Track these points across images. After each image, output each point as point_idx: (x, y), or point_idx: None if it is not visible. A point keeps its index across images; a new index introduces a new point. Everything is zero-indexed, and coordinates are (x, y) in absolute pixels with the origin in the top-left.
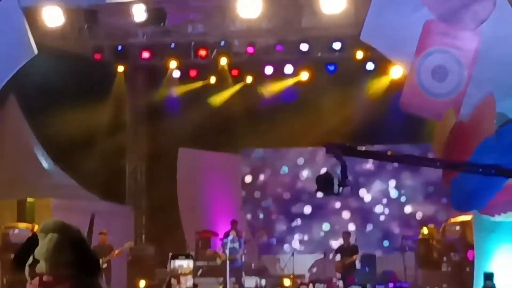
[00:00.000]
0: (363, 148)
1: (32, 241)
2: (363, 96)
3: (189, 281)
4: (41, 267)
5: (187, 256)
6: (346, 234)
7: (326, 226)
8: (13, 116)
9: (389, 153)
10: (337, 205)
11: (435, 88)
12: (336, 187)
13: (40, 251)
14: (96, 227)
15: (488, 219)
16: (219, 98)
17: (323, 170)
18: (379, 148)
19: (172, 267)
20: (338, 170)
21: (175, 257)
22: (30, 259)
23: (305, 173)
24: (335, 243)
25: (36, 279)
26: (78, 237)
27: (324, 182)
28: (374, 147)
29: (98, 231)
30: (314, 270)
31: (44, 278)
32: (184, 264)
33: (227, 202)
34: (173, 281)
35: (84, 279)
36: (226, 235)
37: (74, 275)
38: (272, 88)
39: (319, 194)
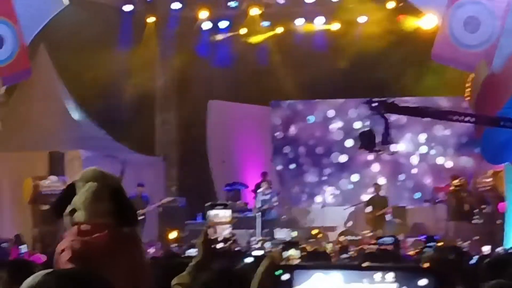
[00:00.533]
0: (404, 105)
1: (70, 190)
2: (394, 46)
3: (226, 230)
4: (79, 216)
5: (225, 206)
6: (377, 186)
7: (355, 178)
8: (44, 66)
9: (430, 109)
10: (369, 157)
11: (467, 39)
12: (379, 143)
13: (78, 200)
14: (126, 178)
15: None
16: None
17: (357, 125)
18: (413, 101)
19: (208, 216)
20: (380, 127)
21: (211, 206)
22: (68, 208)
23: (335, 125)
24: (365, 196)
25: (75, 227)
26: (117, 186)
27: (367, 139)
28: (408, 100)
29: (128, 182)
30: (350, 224)
31: (82, 227)
32: (221, 213)
33: (257, 154)
34: (210, 231)
35: (122, 229)
36: (257, 186)
37: (112, 225)
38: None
39: (349, 145)
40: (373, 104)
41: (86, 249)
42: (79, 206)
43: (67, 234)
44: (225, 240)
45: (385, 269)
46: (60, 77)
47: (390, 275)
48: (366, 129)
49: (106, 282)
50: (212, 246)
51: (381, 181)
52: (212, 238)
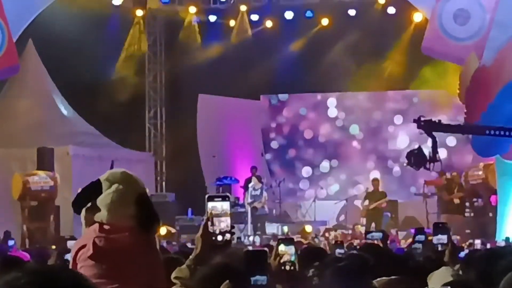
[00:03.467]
0: (449, 123)
1: (95, 187)
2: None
3: (223, 223)
4: (102, 215)
5: (224, 198)
6: (375, 181)
7: (346, 171)
8: (32, 62)
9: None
10: (361, 151)
11: (457, 32)
12: (428, 162)
13: (103, 200)
14: None
15: (511, 164)
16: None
17: (414, 144)
18: None
19: (208, 208)
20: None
21: (210, 198)
22: (89, 204)
23: (328, 118)
24: (356, 190)
25: (96, 225)
26: (143, 191)
27: (417, 157)
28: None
29: None
30: (341, 217)
31: (105, 226)
32: (218, 205)
33: (247, 148)
34: (209, 223)
35: (141, 233)
36: (247, 181)
37: (133, 228)
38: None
39: (340, 138)
40: (421, 123)
41: (108, 247)
42: (103, 206)
43: (86, 230)
44: (224, 233)
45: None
46: (48, 72)
47: None
48: (415, 148)
49: (79, 278)
50: (212, 239)
51: (375, 174)
52: (211, 231)
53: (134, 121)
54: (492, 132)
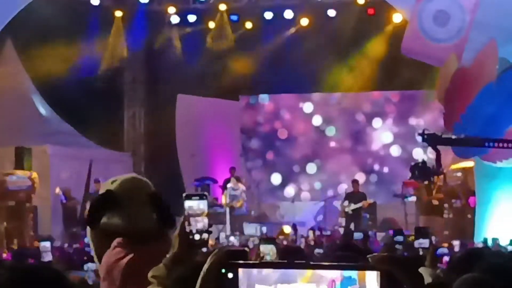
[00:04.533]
0: (455, 137)
1: (107, 198)
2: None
3: (200, 222)
4: (123, 226)
5: (201, 197)
6: (355, 182)
7: (326, 171)
8: (10, 61)
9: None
10: (340, 152)
11: (436, 33)
12: (432, 175)
13: (124, 213)
14: (94, 174)
15: (490, 166)
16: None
17: (417, 156)
18: None
19: (185, 207)
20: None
21: (188, 197)
22: (106, 219)
23: (305, 119)
24: (335, 191)
25: (120, 239)
26: (155, 192)
27: (421, 170)
28: None
29: (94, 179)
30: (320, 218)
31: (126, 238)
32: (194, 205)
33: (226, 148)
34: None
35: (163, 233)
36: (226, 182)
37: (156, 232)
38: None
39: (319, 138)
40: (425, 137)
41: (141, 260)
42: (125, 218)
43: (115, 244)
44: (201, 232)
45: (339, 267)
46: (26, 71)
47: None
48: (419, 161)
49: (58, 275)
50: (190, 238)
51: (354, 175)
52: (188, 230)
53: (113, 121)
54: (492, 144)
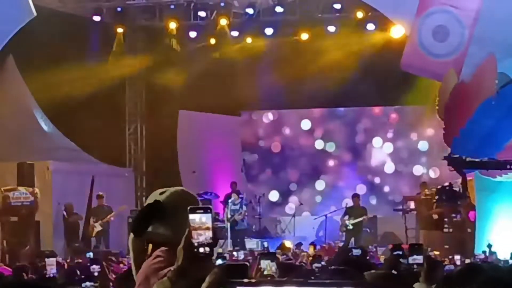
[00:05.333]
0: (479, 160)
1: (154, 208)
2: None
3: (202, 236)
4: (172, 238)
5: (205, 210)
6: (356, 197)
7: (326, 187)
8: (12, 77)
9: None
10: (341, 167)
11: (436, 48)
12: (457, 200)
13: (173, 224)
14: (96, 190)
15: (489, 180)
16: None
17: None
18: None
19: (189, 220)
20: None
21: (192, 210)
22: (153, 228)
23: (307, 134)
24: (336, 206)
25: (164, 249)
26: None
27: (448, 195)
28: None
29: (97, 194)
30: (321, 233)
31: (165, 247)
32: (197, 218)
33: (227, 164)
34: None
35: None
36: (227, 197)
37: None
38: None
39: (320, 154)
40: (452, 161)
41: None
42: (170, 229)
43: (158, 253)
44: (205, 246)
45: (336, 285)
46: (28, 88)
47: None
48: (446, 184)
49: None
50: (194, 251)
51: (354, 189)
52: (193, 243)
53: (114, 136)
54: None
